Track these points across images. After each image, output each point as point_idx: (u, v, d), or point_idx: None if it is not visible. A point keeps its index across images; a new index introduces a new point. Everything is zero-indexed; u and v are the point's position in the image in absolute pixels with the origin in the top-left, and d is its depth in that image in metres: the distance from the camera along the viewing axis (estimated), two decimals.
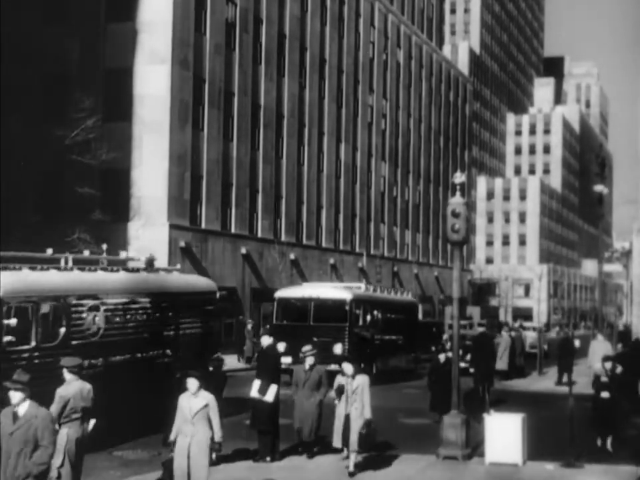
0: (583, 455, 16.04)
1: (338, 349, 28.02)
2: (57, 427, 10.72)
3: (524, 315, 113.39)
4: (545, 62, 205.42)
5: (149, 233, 41.30)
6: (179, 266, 25.63)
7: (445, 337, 45.54)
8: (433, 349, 44.07)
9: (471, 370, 26.00)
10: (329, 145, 59.81)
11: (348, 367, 14.88)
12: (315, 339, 26.54)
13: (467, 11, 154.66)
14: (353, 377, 14.82)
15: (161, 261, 40.88)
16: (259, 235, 50.33)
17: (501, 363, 31.20)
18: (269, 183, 51.69)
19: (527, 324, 63.25)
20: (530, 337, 47.32)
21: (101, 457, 16.45)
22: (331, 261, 59.00)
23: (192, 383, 11.56)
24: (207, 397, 11.54)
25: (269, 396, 15.92)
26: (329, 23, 59.98)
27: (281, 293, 31.56)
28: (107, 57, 43.16)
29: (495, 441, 15.77)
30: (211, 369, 16.16)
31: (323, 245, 58.90)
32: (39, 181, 41.59)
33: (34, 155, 40.71)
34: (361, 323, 30.64)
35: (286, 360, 17.94)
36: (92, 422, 11.96)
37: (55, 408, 11.22)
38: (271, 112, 51.91)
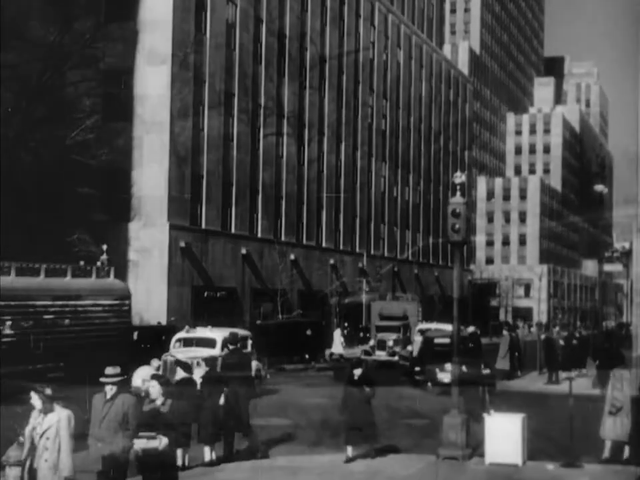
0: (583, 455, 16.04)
1: None
2: None
3: (524, 315, 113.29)
4: (545, 62, 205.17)
5: (149, 233, 41.28)
6: None
7: (372, 343, 40.92)
8: (307, 356, 39.14)
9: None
10: (329, 145, 59.78)
11: (34, 397, 10.40)
12: None
13: (467, 10, 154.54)
14: (45, 412, 10.19)
15: (161, 261, 41.02)
16: (259, 235, 50.29)
17: (503, 363, 31.16)
18: (269, 183, 51.65)
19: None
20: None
21: None
22: (331, 261, 58.96)
23: None
24: None
25: None
26: (329, 23, 59.96)
27: None
28: (107, 57, 43.13)
29: (495, 441, 15.75)
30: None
31: (323, 245, 58.86)
32: (39, 181, 41.57)
33: (34, 155, 40.70)
34: None
35: None
36: None
37: None
38: (271, 112, 51.88)
